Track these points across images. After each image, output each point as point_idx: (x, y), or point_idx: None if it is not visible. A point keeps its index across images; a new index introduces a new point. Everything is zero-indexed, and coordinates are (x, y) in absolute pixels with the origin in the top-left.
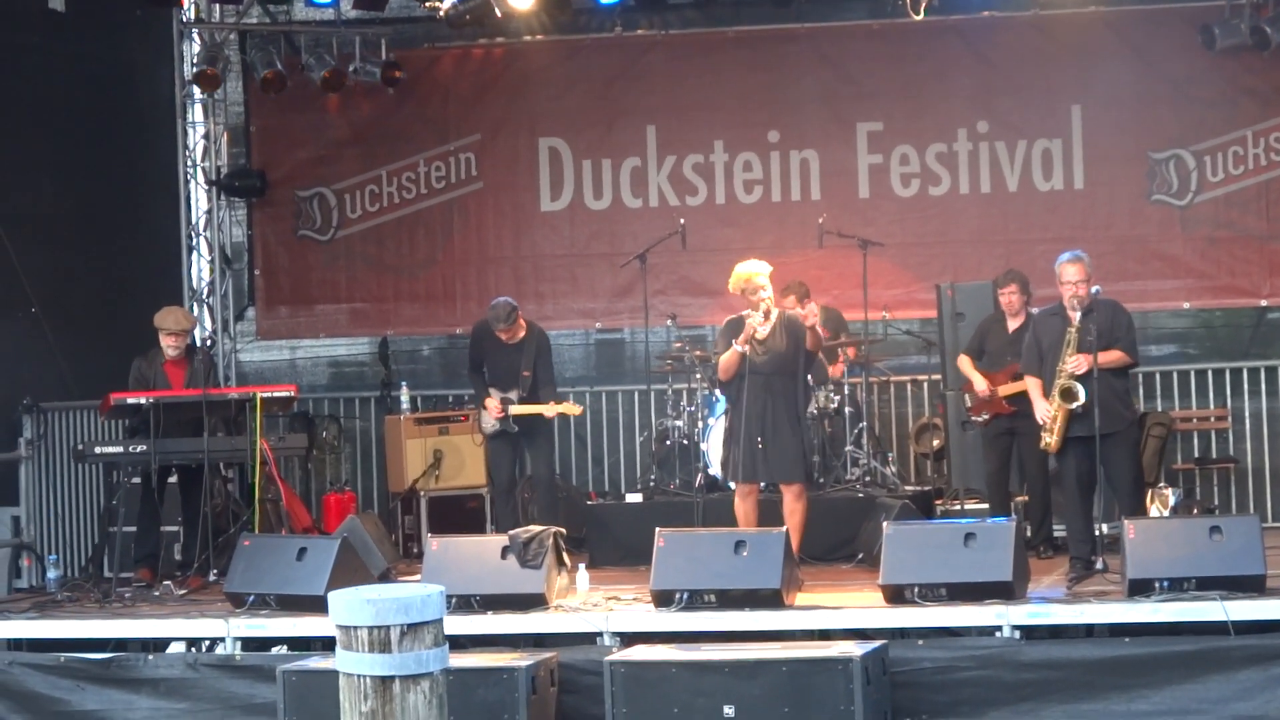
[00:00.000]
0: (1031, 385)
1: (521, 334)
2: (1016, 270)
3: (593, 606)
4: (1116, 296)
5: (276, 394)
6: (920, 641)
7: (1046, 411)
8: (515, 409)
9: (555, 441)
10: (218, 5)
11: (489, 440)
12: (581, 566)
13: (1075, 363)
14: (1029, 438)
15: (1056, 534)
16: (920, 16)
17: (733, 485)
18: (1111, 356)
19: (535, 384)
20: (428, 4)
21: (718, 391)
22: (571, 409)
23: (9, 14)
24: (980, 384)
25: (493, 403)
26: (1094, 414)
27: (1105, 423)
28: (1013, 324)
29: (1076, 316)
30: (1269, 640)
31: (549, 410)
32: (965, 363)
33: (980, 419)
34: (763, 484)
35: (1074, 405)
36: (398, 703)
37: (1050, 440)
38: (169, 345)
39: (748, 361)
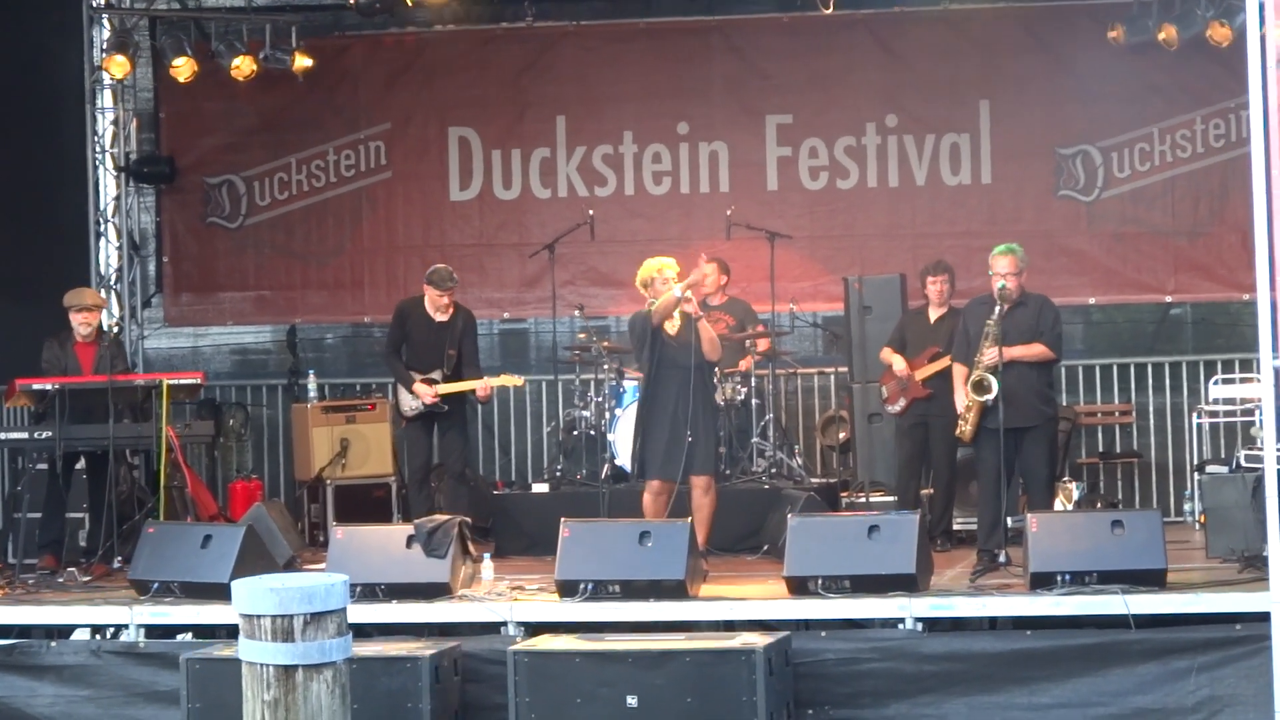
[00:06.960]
0: (957, 372)
1: (450, 311)
2: (947, 262)
3: (497, 596)
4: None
5: (183, 381)
6: (823, 633)
7: (963, 401)
8: (443, 387)
9: (468, 432)
10: None
11: (409, 423)
12: (486, 556)
13: (990, 355)
14: (940, 429)
15: (956, 527)
16: (830, 10)
17: (644, 480)
18: (1032, 350)
19: (460, 363)
20: None
21: (625, 382)
22: (511, 380)
23: None
24: (900, 364)
25: (426, 389)
26: (1006, 407)
27: (1022, 417)
28: (935, 313)
29: (998, 308)
30: (1169, 634)
31: (481, 385)
32: (887, 352)
33: (896, 408)
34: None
35: (985, 398)
36: (300, 691)
37: (965, 429)
38: (80, 323)
39: (668, 354)
